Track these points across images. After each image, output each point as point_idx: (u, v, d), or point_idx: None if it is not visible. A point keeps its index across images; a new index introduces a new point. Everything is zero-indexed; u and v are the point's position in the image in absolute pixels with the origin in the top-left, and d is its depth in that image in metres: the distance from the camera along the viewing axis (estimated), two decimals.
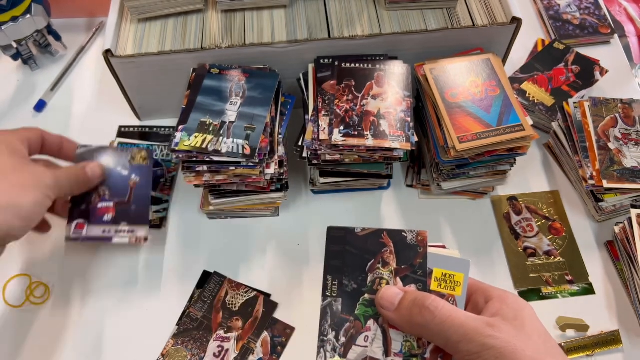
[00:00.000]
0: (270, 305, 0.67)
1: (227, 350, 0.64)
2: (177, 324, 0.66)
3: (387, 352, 0.37)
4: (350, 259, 0.38)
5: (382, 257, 0.38)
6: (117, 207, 0.64)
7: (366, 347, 0.36)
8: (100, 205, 0.64)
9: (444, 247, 0.42)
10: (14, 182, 0.53)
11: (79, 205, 0.63)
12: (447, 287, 0.40)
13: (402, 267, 0.38)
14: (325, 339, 0.36)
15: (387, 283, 0.38)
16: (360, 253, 0.38)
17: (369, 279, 0.37)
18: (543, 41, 0.91)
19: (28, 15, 0.81)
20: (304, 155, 0.66)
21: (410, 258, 0.38)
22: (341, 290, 0.37)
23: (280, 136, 0.67)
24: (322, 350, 0.36)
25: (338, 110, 0.66)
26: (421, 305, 0.37)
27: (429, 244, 0.41)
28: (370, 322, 0.37)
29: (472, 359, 0.35)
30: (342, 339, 0.36)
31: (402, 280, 0.38)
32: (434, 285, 0.40)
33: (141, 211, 0.64)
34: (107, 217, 0.63)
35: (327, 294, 0.37)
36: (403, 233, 0.38)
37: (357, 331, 0.37)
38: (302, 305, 0.68)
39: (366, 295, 0.38)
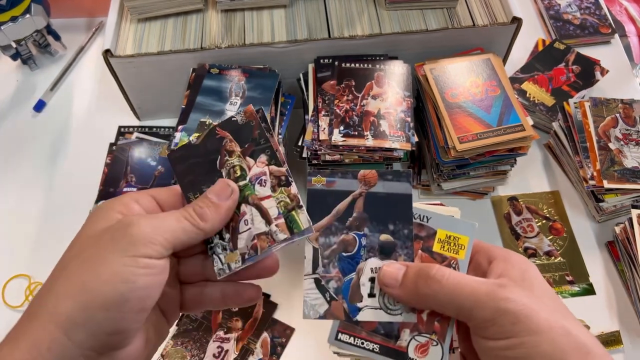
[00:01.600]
0: (270, 306, 0.67)
1: (226, 351, 0.64)
2: (177, 325, 0.66)
3: (268, 222, 0.37)
4: (199, 168, 0.38)
5: (225, 149, 0.38)
6: None
7: (250, 228, 0.36)
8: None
9: (441, 204, 0.42)
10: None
11: None
12: (451, 249, 0.40)
13: (246, 146, 0.38)
14: (212, 245, 0.37)
15: (242, 169, 0.37)
16: (205, 158, 0.38)
17: (223, 173, 0.38)
18: (543, 41, 0.91)
19: (27, 15, 0.81)
20: (304, 155, 0.66)
21: (248, 135, 0.38)
22: None
23: (280, 136, 0.67)
24: (214, 256, 0.36)
25: (338, 111, 0.66)
26: (426, 276, 0.35)
27: (427, 203, 0.41)
28: (243, 207, 0.37)
29: (487, 325, 0.33)
30: (227, 235, 0.37)
31: (251, 156, 0.37)
32: (436, 247, 0.40)
33: None
34: None
35: None
36: (232, 119, 0.39)
37: (236, 221, 0.37)
38: (302, 306, 0.68)
39: None
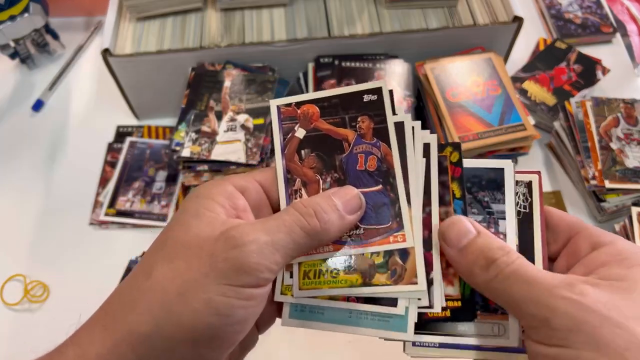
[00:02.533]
0: None
1: None
2: None
3: None
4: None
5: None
6: None
7: None
8: None
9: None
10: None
11: None
12: None
13: None
14: None
15: None
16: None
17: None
18: (545, 40, 0.90)
19: (26, 14, 0.80)
20: None
21: None
22: None
23: None
24: None
25: None
26: (490, 259, 0.28)
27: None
28: None
29: (538, 326, 0.26)
30: None
31: None
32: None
33: None
34: None
35: None
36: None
37: None
38: None
39: None
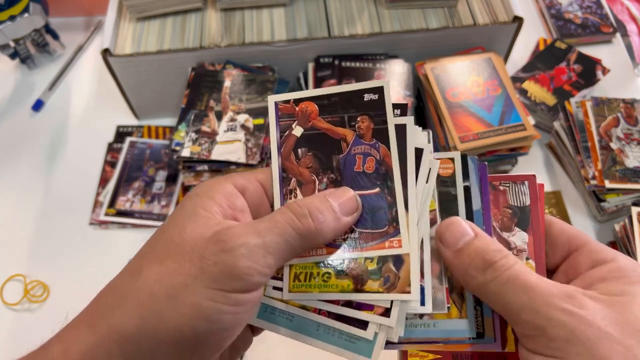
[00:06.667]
0: None
1: None
2: None
3: None
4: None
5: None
6: None
7: None
8: None
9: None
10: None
11: None
12: None
13: None
14: None
15: None
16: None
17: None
18: (545, 40, 0.90)
19: (26, 14, 0.80)
20: None
21: None
22: None
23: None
24: None
25: None
26: (487, 262, 0.27)
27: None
28: None
29: (534, 335, 0.25)
30: None
31: None
32: None
33: None
34: None
35: None
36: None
37: None
38: None
39: None
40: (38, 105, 0.85)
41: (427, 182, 0.31)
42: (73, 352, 0.25)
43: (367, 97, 0.32)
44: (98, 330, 0.25)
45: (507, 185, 0.32)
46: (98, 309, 0.26)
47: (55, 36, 0.89)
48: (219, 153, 0.64)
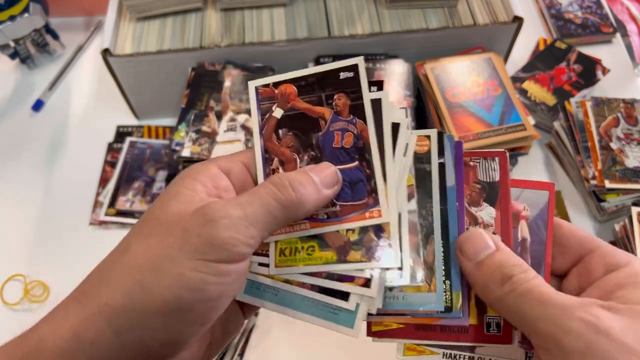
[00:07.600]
0: None
1: None
2: None
3: None
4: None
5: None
6: None
7: None
8: None
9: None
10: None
11: None
12: None
13: None
14: None
15: None
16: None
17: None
18: (545, 40, 0.90)
19: (26, 14, 0.80)
20: None
21: None
22: None
23: None
24: None
25: None
26: (506, 275, 0.27)
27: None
28: None
29: (549, 347, 0.25)
30: None
31: None
32: None
33: None
34: None
35: None
36: None
37: None
38: None
39: None
40: (38, 105, 0.85)
41: (404, 155, 0.31)
42: (63, 328, 0.25)
43: (343, 75, 0.33)
44: (87, 306, 0.25)
45: (478, 161, 0.33)
46: (87, 286, 0.27)
47: (55, 36, 0.89)
48: (219, 153, 0.64)
